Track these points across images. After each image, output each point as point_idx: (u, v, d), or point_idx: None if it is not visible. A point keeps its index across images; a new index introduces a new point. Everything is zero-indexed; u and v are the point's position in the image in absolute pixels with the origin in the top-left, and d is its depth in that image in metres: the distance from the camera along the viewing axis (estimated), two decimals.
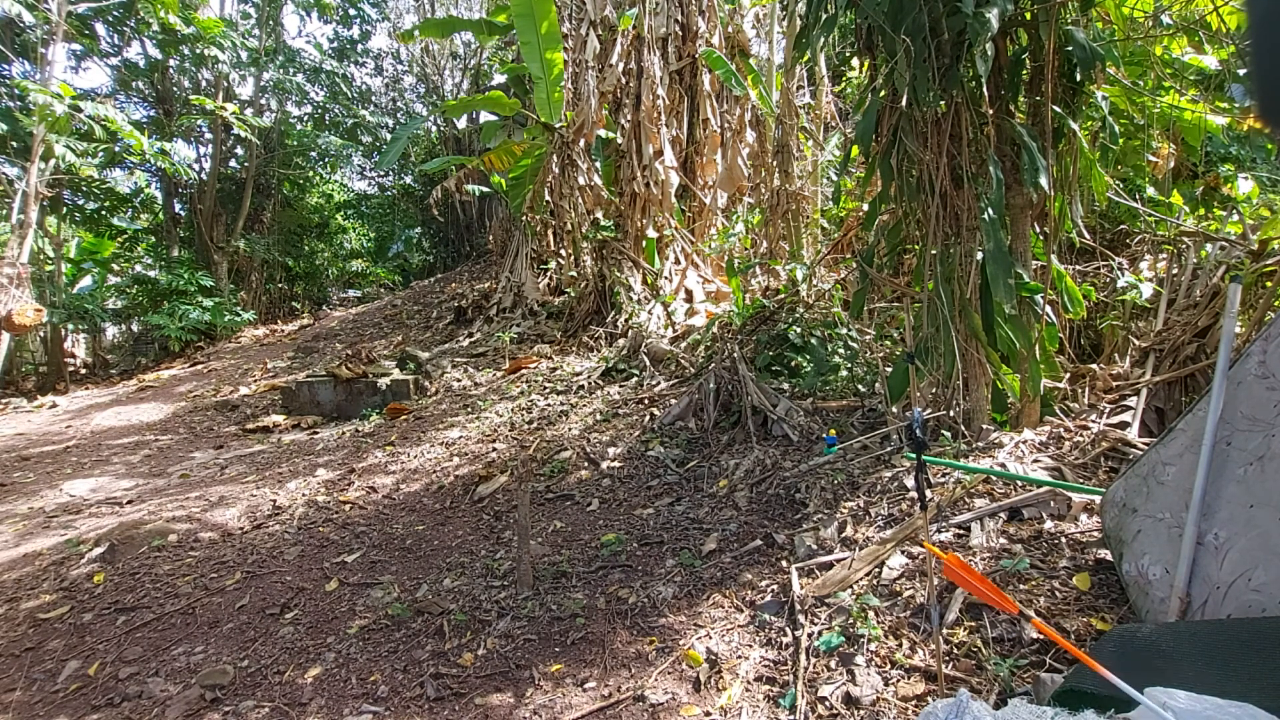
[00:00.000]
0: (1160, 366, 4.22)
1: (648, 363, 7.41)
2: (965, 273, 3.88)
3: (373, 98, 20.51)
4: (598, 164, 10.16)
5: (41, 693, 3.21)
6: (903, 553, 3.08)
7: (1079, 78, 3.83)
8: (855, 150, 5.08)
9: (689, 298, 9.57)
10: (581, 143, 9.67)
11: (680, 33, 10.51)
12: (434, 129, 19.83)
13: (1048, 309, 3.97)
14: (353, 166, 21.69)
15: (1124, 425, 3.75)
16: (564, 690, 2.80)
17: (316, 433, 7.89)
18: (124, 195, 15.88)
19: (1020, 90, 4.02)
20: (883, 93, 3.93)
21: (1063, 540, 2.86)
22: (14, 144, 11.00)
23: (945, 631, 2.51)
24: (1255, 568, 2.08)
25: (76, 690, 3.20)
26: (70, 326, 13.44)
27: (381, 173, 21.56)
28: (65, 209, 14.00)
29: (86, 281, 15.46)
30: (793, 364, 6.04)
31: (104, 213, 15.26)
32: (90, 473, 6.92)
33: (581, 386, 7.36)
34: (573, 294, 10.35)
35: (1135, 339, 4.91)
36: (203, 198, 15.71)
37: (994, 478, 3.39)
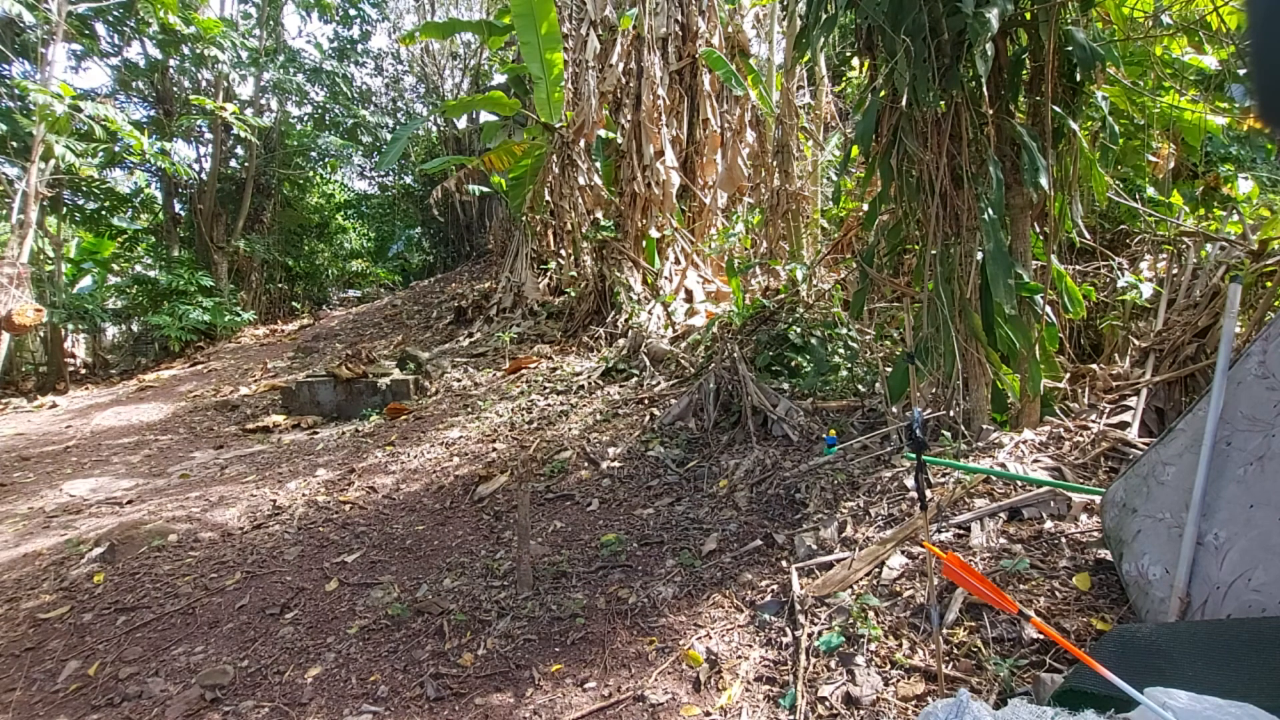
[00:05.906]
0: (1160, 366, 4.22)
1: (648, 363, 7.41)
2: (965, 273, 3.88)
3: (373, 98, 20.52)
4: (598, 164, 10.16)
5: (41, 693, 3.21)
6: (903, 553, 3.08)
7: (1079, 78, 3.83)
8: (855, 150, 5.08)
9: (689, 298, 9.57)
10: (581, 143, 9.67)
11: (680, 33, 10.51)
12: (434, 129, 19.83)
13: (1048, 309, 3.97)
14: (353, 166, 21.72)
15: (1124, 425, 3.75)
16: (564, 690, 2.80)
17: (316, 433, 7.89)
18: (124, 195, 15.87)
19: (1020, 90, 4.02)
20: (883, 93, 3.93)
21: (1063, 540, 2.86)
22: (14, 144, 10.99)
23: (945, 631, 2.51)
24: (1255, 568, 2.08)
25: (76, 690, 3.20)
26: (70, 326, 13.42)
27: (381, 173, 21.57)
28: (65, 209, 14.00)
29: (86, 281, 15.43)
30: (793, 364, 6.04)
31: (104, 213, 15.25)
32: (90, 473, 6.91)
33: (581, 386, 7.36)
34: (573, 294, 10.35)
35: (1135, 339, 4.91)
36: (203, 198, 15.71)
37: (994, 478, 3.39)
